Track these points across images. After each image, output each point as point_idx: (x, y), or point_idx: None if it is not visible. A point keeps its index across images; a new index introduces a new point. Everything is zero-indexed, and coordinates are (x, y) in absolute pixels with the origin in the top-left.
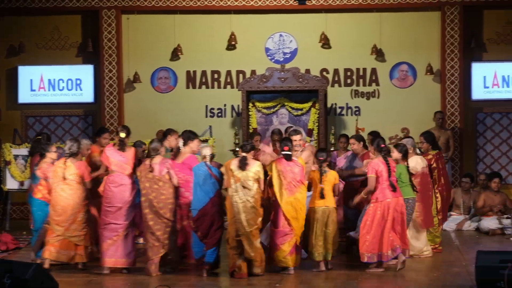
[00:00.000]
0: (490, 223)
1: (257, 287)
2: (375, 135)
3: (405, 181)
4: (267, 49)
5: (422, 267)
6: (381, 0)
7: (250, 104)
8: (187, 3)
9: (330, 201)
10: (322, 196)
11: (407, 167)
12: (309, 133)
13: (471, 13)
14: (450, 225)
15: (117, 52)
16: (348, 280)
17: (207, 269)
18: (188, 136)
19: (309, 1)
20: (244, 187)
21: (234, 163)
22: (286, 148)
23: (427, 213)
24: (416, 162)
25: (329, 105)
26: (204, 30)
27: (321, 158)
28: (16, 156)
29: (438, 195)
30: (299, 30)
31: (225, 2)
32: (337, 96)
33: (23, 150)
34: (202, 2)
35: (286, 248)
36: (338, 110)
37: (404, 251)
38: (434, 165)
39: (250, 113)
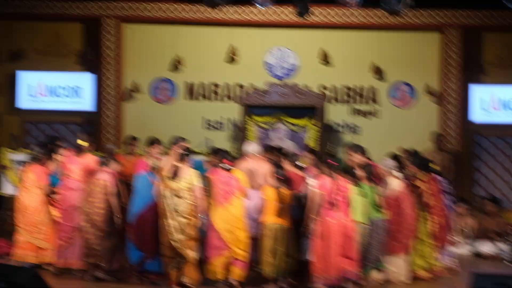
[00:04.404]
0: (485, 247)
1: None
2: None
3: (371, 202)
4: (267, 64)
5: None
6: (381, 19)
7: (249, 118)
8: (188, 14)
9: (283, 219)
10: (278, 214)
11: (373, 187)
12: (306, 149)
13: (471, 35)
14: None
15: (117, 61)
16: None
17: (150, 278)
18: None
19: (309, 16)
20: (176, 196)
21: (167, 171)
22: (224, 160)
23: (399, 237)
24: (390, 184)
25: (327, 121)
26: (204, 42)
27: (279, 177)
28: (13, 161)
29: (431, 218)
30: (299, 46)
31: (225, 15)
32: (336, 113)
33: (21, 155)
34: (203, 14)
35: (218, 262)
36: (336, 127)
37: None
38: (425, 189)
39: (248, 127)
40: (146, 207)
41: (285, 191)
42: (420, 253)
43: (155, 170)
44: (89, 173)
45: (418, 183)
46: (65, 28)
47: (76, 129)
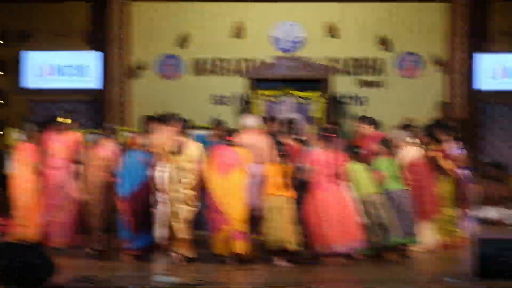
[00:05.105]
0: (490, 212)
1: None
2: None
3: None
4: (274, 38)
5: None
6: None
7: (255, 92)
8: None
9: (287, 192)
10: (281, 187)
11: (393, 160)
12: (313, 121)
13: (478, 4)
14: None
15: (122, 38)
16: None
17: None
18: None
19: None
20: (180, 169)
21: (170, 146)
22: (227, 137)
23: (421, 205)
24: (406, 154)
25: (334, 93)
26: (211, 17)
27: (280, 152)
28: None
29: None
30: (306, 19)
31: None
32: (344, 85)
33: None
34: None
35: (220, 236)
36: (344, 99)
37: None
38: (438, 156)
39: (254, 100)
40: (139, 185)
41: (286, 166)
42: (442, 222)
43: (148, 147)
44: (77, 150)
45: (431, 152)
46: (72, 7)
47: (83, 108)
